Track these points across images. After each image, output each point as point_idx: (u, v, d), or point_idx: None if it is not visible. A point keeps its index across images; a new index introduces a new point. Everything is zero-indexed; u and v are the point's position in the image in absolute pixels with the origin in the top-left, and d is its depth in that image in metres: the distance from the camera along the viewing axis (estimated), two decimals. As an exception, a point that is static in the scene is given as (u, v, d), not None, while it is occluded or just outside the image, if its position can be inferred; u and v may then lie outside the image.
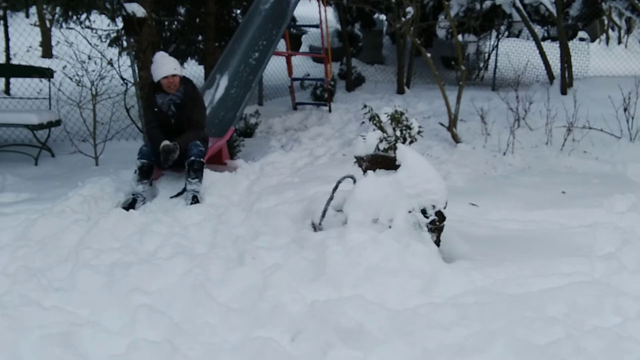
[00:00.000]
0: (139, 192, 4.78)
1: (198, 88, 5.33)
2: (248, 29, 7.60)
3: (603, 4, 10.97)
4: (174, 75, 4.94)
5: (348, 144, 6.92)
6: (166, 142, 4.82)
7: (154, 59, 5.05)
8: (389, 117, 3.86)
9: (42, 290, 3.18)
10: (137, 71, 6.41)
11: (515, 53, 11.88)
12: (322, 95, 9.57)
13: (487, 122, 6.97)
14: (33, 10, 14.60)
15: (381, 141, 3.81)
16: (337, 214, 3.87)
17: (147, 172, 4.88)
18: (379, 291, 3.14)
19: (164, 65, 4.93)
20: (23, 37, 10.49)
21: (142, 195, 4.79)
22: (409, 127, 3.90)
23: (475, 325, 2.75)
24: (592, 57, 12.35)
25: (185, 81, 5.08)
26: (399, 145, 3.73)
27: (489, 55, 12.63)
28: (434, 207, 3.52)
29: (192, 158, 4.85)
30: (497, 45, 11.73)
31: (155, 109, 4.98)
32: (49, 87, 7.08)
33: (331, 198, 3.90)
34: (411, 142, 3.93)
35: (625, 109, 6.62)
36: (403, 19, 6.79)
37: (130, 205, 4.65)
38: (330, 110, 9.03)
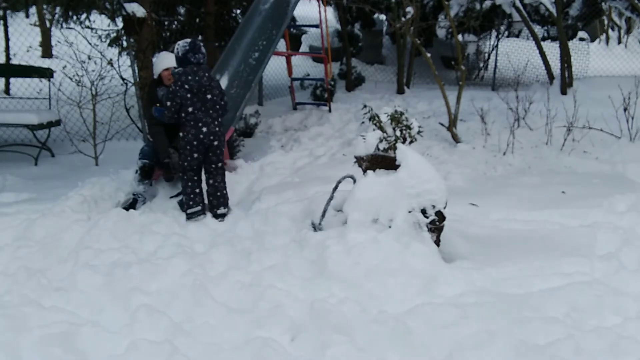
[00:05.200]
0: (139, 192, 4.78)
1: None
2: (248, 29, 7.60)
3: (603, 4, 10.97)
4: (175, 68, 4.99)
5: (348, 144, 6.92)
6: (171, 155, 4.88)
7: (157, 56, 5.12)
8: (389, 117, 3.86)
9: (42, 290, 3.18)
10: (137, 71, 6.41)
11: (515, 53, 11.87)
12: (322, 95, 9.56)
13: (487, 122, 6.96)
14: (33, 10, 14.60)
15: (381, 141, 3.81)
16: (337, 214, 3.87)
17: (149, 173, 4.88)
18: (379, 291, 3.14)
19: (167, 58, 5.03)
20: (23, 37, 10.49)
21: (142, 195, 4.80)
22: (408, 127, 3.91)
23: (475, 325, 2.75)
24: (592, 57, 12.34)
25: None
26: (399, 145, 3.73)
27: (489, 55, 12.62)
28: (434, 207, 3.52)
29: (191, 158, 4.87)
30: (497, 45, 11.73)
31: (157, 105, 5.00)
32: (49, 87, 7.08)
33: (331, 198, 3.91)
34: (411, 142, 3.93)
35: (625, 109, 6.62)
36: (403, 19, 6.79)
37: (130, 205, 4.66)
38: (330, 110, 9.03)
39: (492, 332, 2.68)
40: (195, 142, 4.38)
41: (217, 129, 4.47)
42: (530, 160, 6.22)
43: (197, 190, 4.47)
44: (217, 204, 4.52)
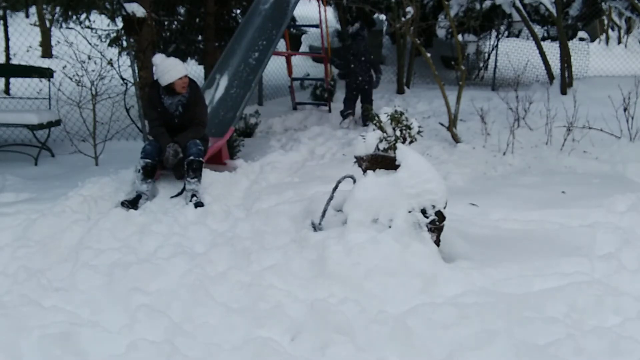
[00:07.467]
0: (142, 191, 4.78)
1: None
2: (248, 29, 7.60)
3: (603, 4, 10.98)
4: (185, 75, 4.98)
5: (348, 144, 6.92)
6: (173, 147, 4.88)
7: (156, 62, 4.94)
8: (388, 117, 3.86)
9: (42, 290, 3.18)
10: (137, 71, 6.40)
11: (515, 53, 11.88)
12: (322, 95, 9.56)
13: (487, 122, 6.96)
14: (33, 10, 14.61)
15: (381, 141, 3.81)
16: (337, 214, 3.87)
17: (151, 172, 4.87)
18: (379, 291, 3.14)
19: (175, 67, 4.89)
20: (23, 37, 10.49)
21: (145, 194, 4.80)
22: (408, 127, 3.90)
23: (475, 325, 2.75)
24: (592, 57, 12.34)
25: (189, 81, 5.10)
26: (399, 145, 3.73)
27: (489, 55, 12.63)
28: (433, 207, 3.52)
29: (191, 157, 4.85)
30: (497, 45, 11.73)
31: (159, 109, 4.98)
32: (49, 87, 7.07)
33: (331, 198, 3.90)
34: (411, 142, 3.93)
35: (625, 109, 6.62)
36: (403, 19, 6.79)
37: (134, 200, 4.64)
38: (330, 110, 9.03)
39: (492, 332, 2.67)
40: (353, 85, 8.25)
41: (365, 78, 8.22)
42: (530, 160, 6.22)
43: (350, 103, 8.26)
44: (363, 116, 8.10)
